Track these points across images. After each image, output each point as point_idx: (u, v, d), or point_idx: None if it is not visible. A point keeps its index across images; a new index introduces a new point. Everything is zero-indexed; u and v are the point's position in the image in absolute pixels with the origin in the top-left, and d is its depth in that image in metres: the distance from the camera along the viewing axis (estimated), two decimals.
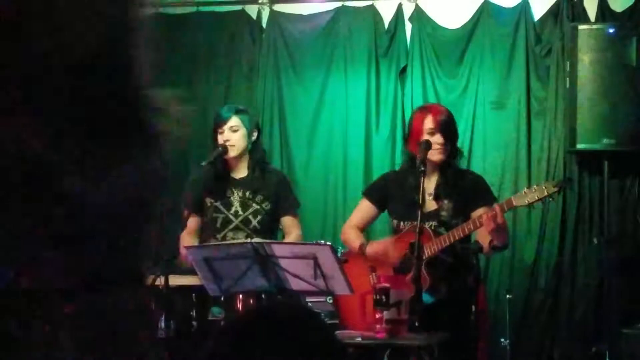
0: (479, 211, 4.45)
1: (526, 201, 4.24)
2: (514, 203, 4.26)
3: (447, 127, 4.53)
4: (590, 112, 6.10)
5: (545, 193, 4.22)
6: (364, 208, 4.88)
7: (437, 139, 4.48)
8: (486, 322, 5.55)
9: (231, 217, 4.98)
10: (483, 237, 4.43)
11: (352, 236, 4.82)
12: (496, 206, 4.23)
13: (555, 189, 4.23)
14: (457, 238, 4.37)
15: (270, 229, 5.06)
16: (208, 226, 5.01)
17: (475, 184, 4.62)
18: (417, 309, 4.12)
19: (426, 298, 4.31)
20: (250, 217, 4.98)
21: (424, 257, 4.23)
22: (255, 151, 5.06)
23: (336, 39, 6.81)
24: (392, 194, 4.73)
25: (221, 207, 4.99)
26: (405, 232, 4.55)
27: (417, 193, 4.25)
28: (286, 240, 4.98)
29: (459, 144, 4.82)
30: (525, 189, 4.32)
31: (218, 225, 4.98)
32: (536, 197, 4.23)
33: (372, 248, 4.65)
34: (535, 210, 6.21)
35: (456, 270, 4.46)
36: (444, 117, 4.55)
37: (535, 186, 4.28)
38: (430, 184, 4.59)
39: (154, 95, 1.32)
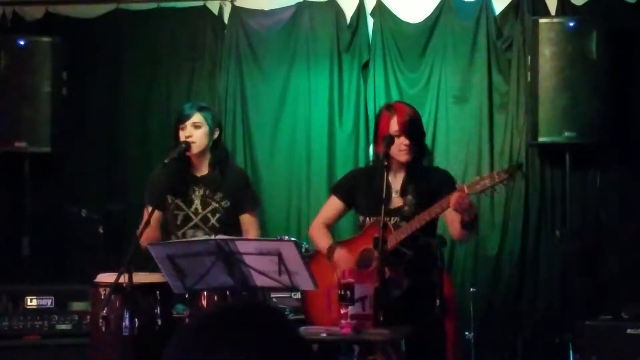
0: None
1: (478, 188, 4.25)
2: (467, 191, 4.26)
3: (413, 128, 4.50)
4: (551, 105, 6.15)
5: (497, 179, 4.23)
6: (332, 204, 4.85)
7: (402, 141, 4.47)
8: (453, 304, 5.56)
9: (191, 214, 4.94)
10: (451, 221, 4.45)
11: (319, 235, 4.78)
12: (464, 186, 4.25)
13: (506, 175, 4.24)
14: (417, 227, 4.35)
15: (230, 227, 4.98)
16: (169, 223, 4.98)
17: (440, 181, 4.61)
18: (382, 303, 4.12)
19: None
20: (209, 215, 4.94)
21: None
22: (216, 149, 5.02)
23: (298, 35, 6.80)
24: (359, 190, 4.71)
25: (182, 205, 4.95)
26: (368, 228, 4.53)
27: (382, 188, 4.25)
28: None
29: None
30: (477, 177, 4.33)
31: (178, 222, 4.95)
32: (487, 184, 4.24)
33: (339, 256, 4.60)
34: (497, 200, 6.26)
35: (418, 263, 4.44)
36: (409, 117, 4.52)
37: (487, 174, 4.30)
38: (397, 181, 4.59)
39: None
